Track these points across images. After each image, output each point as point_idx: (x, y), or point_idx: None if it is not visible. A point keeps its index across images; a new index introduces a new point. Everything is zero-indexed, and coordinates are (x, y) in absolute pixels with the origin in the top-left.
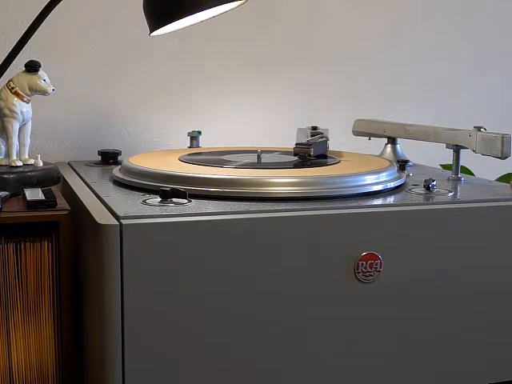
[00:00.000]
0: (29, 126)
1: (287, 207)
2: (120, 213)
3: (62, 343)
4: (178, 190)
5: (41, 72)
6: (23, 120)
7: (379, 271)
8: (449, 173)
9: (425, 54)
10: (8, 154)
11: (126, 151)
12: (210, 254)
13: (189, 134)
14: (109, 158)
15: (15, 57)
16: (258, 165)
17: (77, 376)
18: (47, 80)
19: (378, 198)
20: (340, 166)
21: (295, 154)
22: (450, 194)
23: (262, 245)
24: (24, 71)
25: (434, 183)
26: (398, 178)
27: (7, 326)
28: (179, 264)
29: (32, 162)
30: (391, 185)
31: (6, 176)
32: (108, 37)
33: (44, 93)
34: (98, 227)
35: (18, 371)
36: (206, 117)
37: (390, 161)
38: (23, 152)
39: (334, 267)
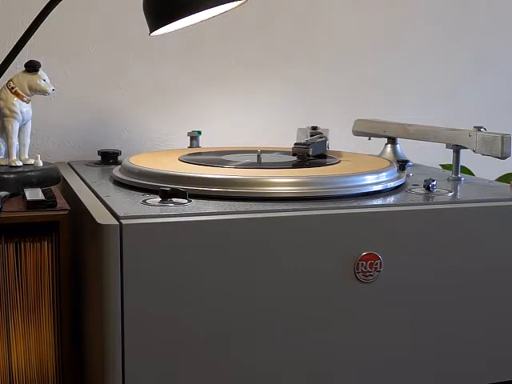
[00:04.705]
0: (29, 125)
1: (287, 207)
2: (120, 213)
3: (62, 343)
4: (178, 189)
5: (41, 72)
6: (23, 120)
7: (379, 271)
8: (449, 173)
9: (425, 54)
10: (8, 154)
11: (126, 151)
12: (210, 254)
13: (189, 133)
14: (109, 157)
15: (15, 57)
16: (258, 165)
17: (77, 376)
18: (47, 80)
19: (378, 198)
20: (340, 166)
21: (294, 154)
22: (450, 193)
23: (262, 245)
24: (24, 71)
25: (434, 183)
26: (398, 177)
27: (7, 326)
28: (179, 264)
29: (32, 162)
30: (391, 185)
31: (6, 176)
32: (108, 37)
33: (44, 93)
34: (97, 227)
35: (18, 371)
36: (205, 117)
37: (390, 161)
38: (23, 152)
39: (334, 267)
